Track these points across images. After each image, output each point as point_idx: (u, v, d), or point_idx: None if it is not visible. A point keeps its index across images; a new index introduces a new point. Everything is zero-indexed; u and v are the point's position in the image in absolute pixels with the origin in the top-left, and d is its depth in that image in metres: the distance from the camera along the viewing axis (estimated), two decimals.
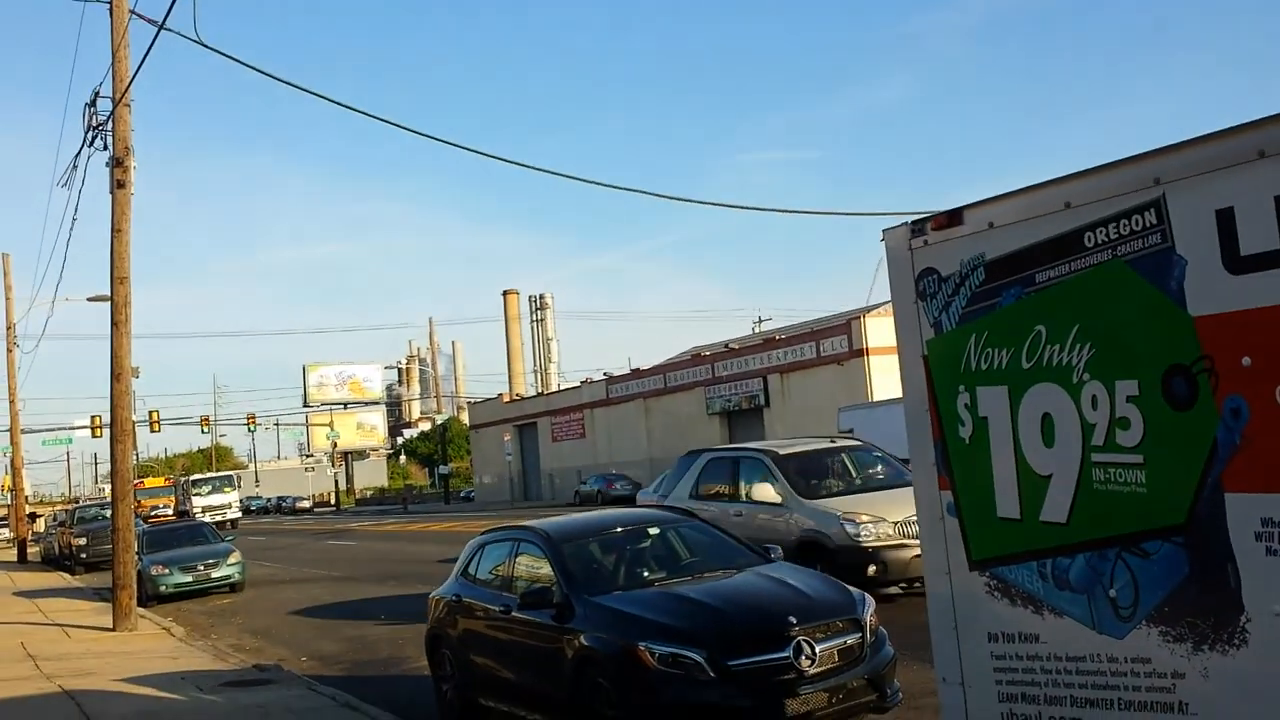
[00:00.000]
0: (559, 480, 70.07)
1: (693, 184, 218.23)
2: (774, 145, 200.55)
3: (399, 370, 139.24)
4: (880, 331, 50.38)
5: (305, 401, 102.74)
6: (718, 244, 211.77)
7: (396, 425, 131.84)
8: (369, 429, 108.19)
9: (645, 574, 9.19)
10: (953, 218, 5.27)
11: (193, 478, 73.92)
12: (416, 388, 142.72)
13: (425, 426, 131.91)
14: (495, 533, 10.79)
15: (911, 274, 5.46)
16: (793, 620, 7.81)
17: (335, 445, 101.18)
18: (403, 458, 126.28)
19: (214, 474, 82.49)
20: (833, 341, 51.87)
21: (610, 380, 69.18)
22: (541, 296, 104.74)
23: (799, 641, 7.68)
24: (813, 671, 7.65)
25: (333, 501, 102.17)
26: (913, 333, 5.47)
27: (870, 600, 8.42)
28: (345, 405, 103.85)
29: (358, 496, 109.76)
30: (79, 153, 20.90)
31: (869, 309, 55.20)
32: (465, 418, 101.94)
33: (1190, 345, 4.27)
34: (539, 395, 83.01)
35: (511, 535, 10.32)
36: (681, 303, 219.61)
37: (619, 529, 10.07)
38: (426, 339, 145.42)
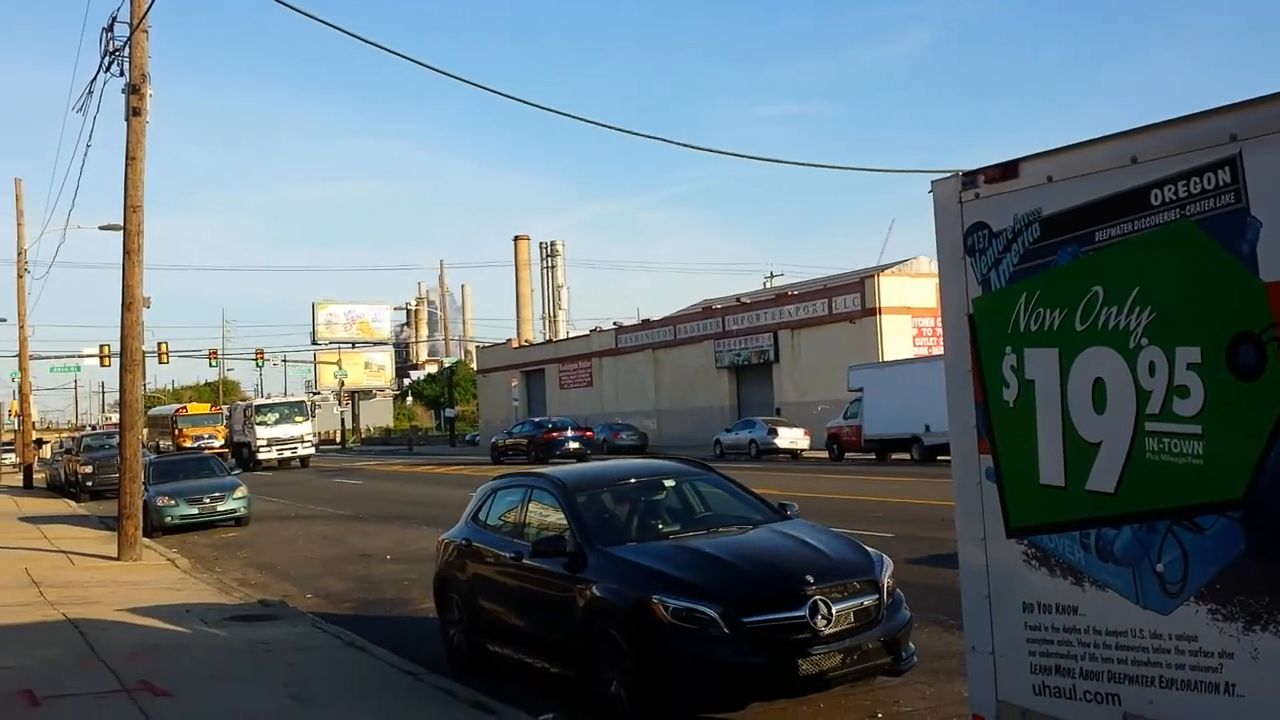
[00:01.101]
0: None
1: (708, 134, 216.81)
2: (792, 97, 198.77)
3: (407, 311, 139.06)
4: (894, 291, 50.13)
5: (313, 339, 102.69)
6: (731, 196, 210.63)
7: (404, 366, 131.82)
8: (376, 369, 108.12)
9: (660, 526, 9.05)
10: (1007, 170, 5.05)
11: (256, 403, 58.47)
12: (425, 329, 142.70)
13: (432, 369, 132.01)
14: (508, 478, 10.66)
15: (960, 228, 5.23)
16: (810, 579, 7.67)
17: (342, 384, 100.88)
18: (409, 399, 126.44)
19: (283, 399, 65.10)
20: (845, 299, 51.56)
21: (620, 330, 69.00)
22: (553, 243, 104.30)
23: (815, 601, 7.54)
24: (828, 632, 7.52)
25: (338, 440, 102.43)
26: (958, 290, 5.26)
27: (888, 562, 8.28)
28: (353, 344, 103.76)
29: (363, 436, 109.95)
30: (94, 78, 20.61)
31: (883, 268, 54.88)
32: (473, 362, 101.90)
33: (1260, 312, 4.05)
34: (548, 342, 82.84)
35: (525, 482, 10.19)
36: (693, 254, 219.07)
37: (634, 480, 9.93)
38: (436, 281, 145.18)
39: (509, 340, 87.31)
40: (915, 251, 57.75)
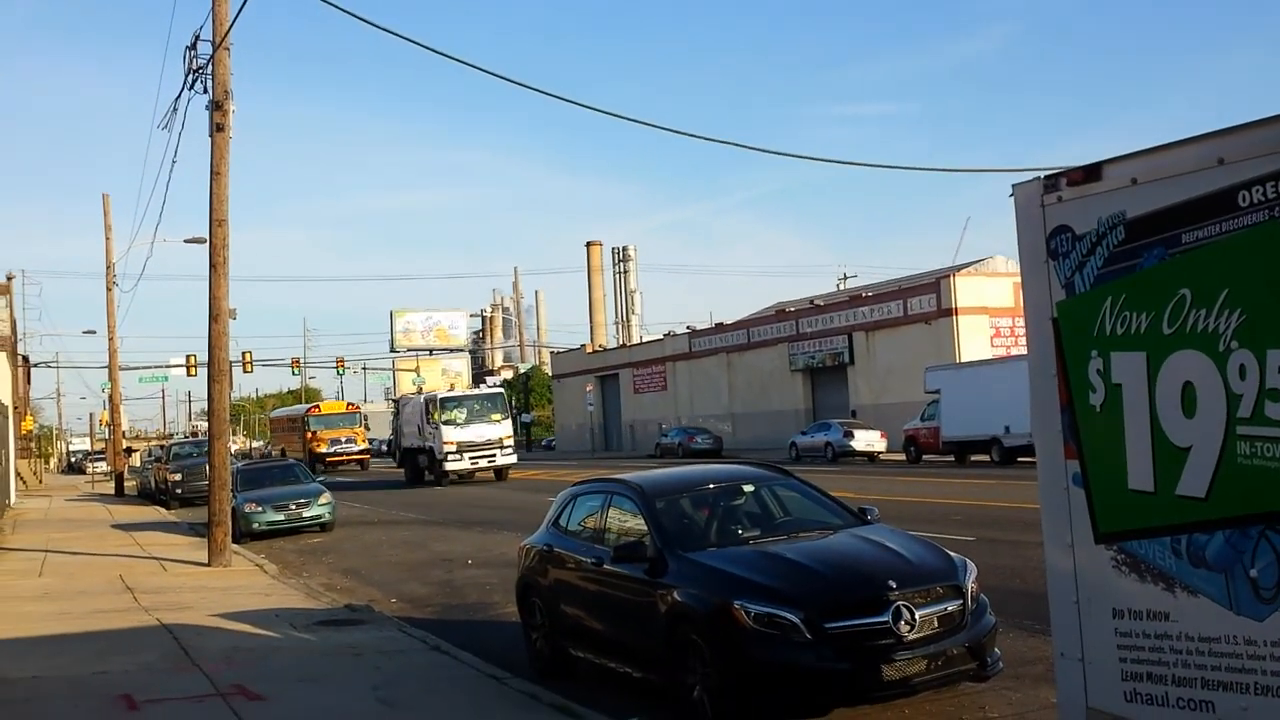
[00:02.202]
0: (639, 432, 70.30)
1: (779, 137, 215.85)
2: (863, 98, 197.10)
3: (483, 318, 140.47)
4: (970, 291, 49.55)
5: (392, 347, 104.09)
6: (803, 198, 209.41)
7: (480, 372, 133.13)
8: (454, 375, 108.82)
9: (740, 532, 9.08)
10: (1090, 173, 5.02)
11: (440, 395, 42.56)
12: (500, 336, 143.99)
13: (508, 374, 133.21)
14: (587, 484, 10.75)
15: (1043, 232, 5.21)
16: (892, 584, 7.65)
17: (420, 390, 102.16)
18: None
19: (475, 390, 49.26)
20: (921, 300, 51.07)
21: (693, 334, 69.05)
22: (625, 249, 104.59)
23: (898, 606, 7.52)
24: (912, 637, 7.49)
25: None
26: (1041, 294, 5.23)
27: (972, 566, 8.22)
28: (431, 351, 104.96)
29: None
30: (179, 95, 21.18)
31: (959, 268, 54.24)
32: (548, 367, 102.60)
33: None
34: (621, 347, 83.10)
35: (604, 488, 10.27)
36: (766, 257, 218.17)
37: (712, 485, 9.96)
38: (510, 288, 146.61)
39: (583, 345, 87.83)
40: (991, 250, 57.09)
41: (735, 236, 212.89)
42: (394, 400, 49.51)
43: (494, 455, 40.72)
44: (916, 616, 7.54)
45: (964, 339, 48.23)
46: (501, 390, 45.87)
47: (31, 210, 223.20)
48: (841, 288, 74.07)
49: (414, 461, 43.24)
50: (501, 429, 41.19)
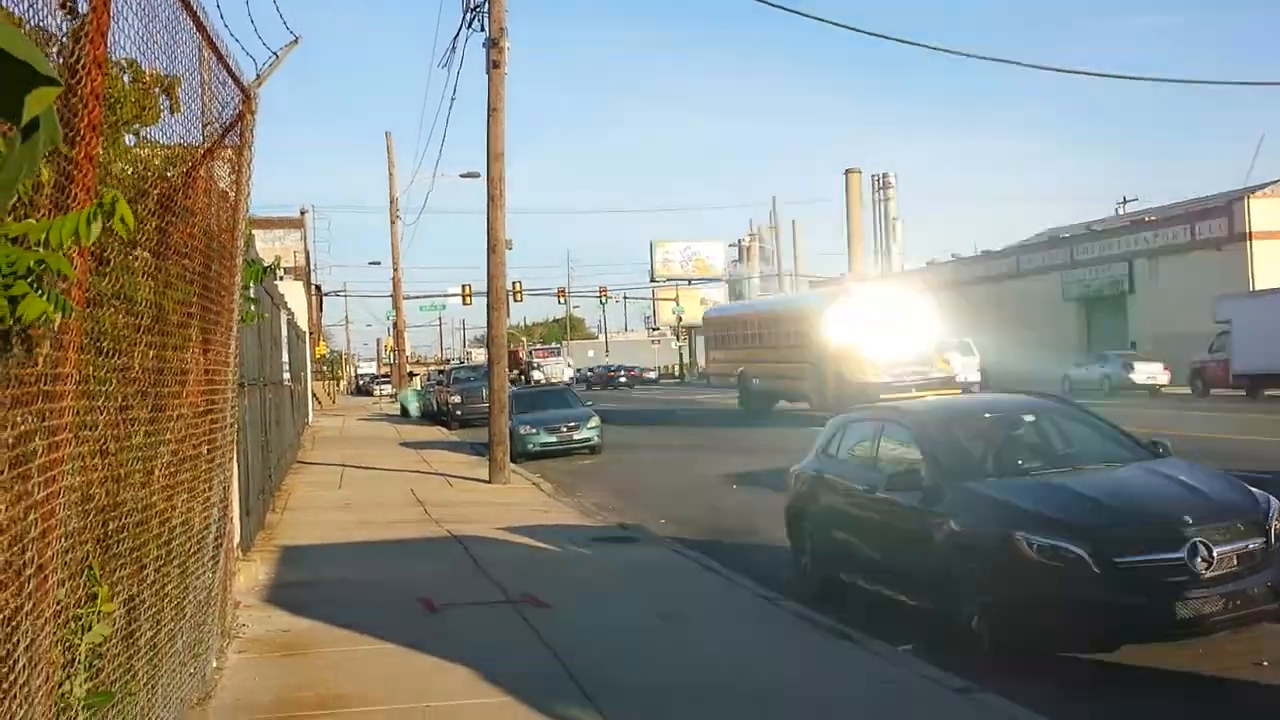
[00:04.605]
0: None
1: (1054, 55, 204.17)
2: (1138, 11, 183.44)
3: (740, 248, 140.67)
4: (1267, 214, 45.78)
5: (652, 277, 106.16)
6: (1075, 120, 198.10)
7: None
8: (711, 305, 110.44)
9: (1019, 462, 8.88)
10: None
11: None
12: (757, 265, 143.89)
13: None
14: (859, 412, 10.77)
15: None
16: (1188, 520, 7.35)
17: (680, 319, 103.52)
18: None
19: None
20: (1210, 224, 47.59)
21: (958, 262, 66.88)
22: (884, 175, 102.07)
23: (1195, 542, 7.23)
24: (1208, 575, 7.20)
25: (676, 374, 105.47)
26: None
27: (1276, 503, 7.77)
28: (689, 281, 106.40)
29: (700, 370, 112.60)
30: (457, 35, 22.05)
31: (1254, 189, 50.11)
32: None
33: None
34: (882, 276, 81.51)
35: (876, 415, 10.27)
36: (1035, 183, 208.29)
37: (989, 414, 9.80)
38: (768, 217, 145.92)
39: (842, 275, 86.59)
40: None
41: (1001, 160, 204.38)
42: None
43: None
44: (1214, 554, 7.22)
45: (1259, 266, 44.65)
46: None
47: (319, 148, 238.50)
48: (1121, 212, 69.92)
49: None
50: None
